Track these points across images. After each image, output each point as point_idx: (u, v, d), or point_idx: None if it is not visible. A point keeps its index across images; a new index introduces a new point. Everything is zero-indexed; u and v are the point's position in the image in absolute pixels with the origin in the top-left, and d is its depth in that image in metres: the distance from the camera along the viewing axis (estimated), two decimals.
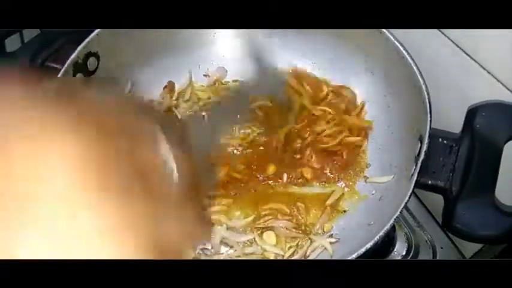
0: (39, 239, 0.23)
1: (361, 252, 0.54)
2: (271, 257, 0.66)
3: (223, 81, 0.83)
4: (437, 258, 0.74)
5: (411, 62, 0.63)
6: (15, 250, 0.23)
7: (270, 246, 0.66)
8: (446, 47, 0.72)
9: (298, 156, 0.72)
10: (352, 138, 0.73)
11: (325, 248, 0.66)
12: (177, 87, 0.83)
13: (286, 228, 0.67)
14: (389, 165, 0.71)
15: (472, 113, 0.56)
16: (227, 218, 0.68)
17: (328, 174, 0.71)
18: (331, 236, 0.67)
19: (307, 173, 0.71)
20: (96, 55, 0.71)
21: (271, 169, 0.71)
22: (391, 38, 0.65)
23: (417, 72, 0.61)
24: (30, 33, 0.76)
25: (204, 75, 0.84)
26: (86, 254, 0.24)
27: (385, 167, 0.71)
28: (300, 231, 0.67)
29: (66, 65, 0.66)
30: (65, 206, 0.22)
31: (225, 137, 0.74)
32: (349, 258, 0.55)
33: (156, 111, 0.35)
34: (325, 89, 0.78)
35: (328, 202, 0.69)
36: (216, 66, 0.85)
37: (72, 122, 0.23)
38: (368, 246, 0.54)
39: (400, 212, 0.55)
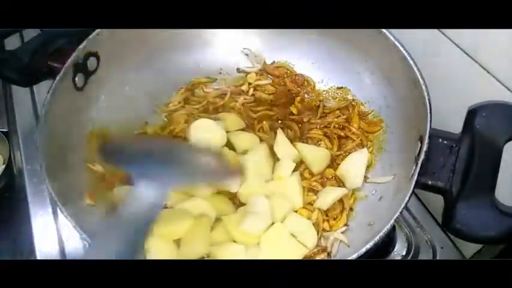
0: None
1: (362, 252, 0.54)
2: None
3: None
4: (437, 258, 0.74)
5: (411, 62, 0.63)
6: None
7: None
8: (446, 47, 0.72)
9: None
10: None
11: (341, 241, 0.66)
12: (178, 86, 0.83)
13: None
14: (389, 165, 0.71)
15: (472, 113, 0.56)
16: None
17: None
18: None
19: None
20: (96, 55, 0.71)
21: None
22: (391, 38, 0.65)
23: (417, 72, 0.61)
24: (30, 33, 0.76)
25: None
26: None
27: (385, 167, 0.71)
28: None
29: (66, 65, 0.66)
30: None
31: None
32: (349, 258, 0.55)
33: None
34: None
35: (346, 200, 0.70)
36: (216, 66, 0.85)
37: None
38: (368, 246, 0.54)
39: (400, 212, 0.55)
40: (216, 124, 0.75)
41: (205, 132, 0.74)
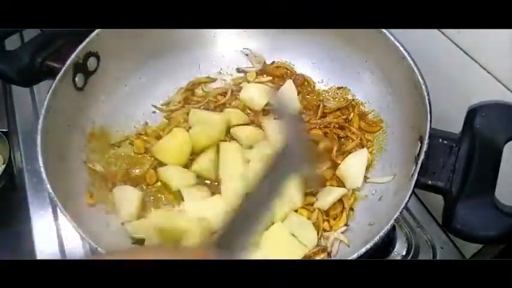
0: None
1: (362, 252, 0.54)
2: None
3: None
4: (437, 258, 0.74)
5: (411, 62, 0.63)
6: None
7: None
8: (446, 47, 0.72)
9: None
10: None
11: (341, 241, 0.66)
12: (178, 86, 0.83)
13: None
14: (389, 165, 0.71)
15: (472, 113, 0.56)
16: None
17: None
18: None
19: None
20: (96, 55, 0.71)
21: None
22: (391, 38, 0.65)
23: (417, 72, 0.62)
24: (30, 33, 0.76)
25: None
26: None
27: (385, 167, 0.71)
28: None
29: (66, 65, 0.66)
30: None
31: None
32: (349, 258, 0.55)
33: None
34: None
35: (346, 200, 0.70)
36: (216, 66, 0.85)
37: None
38: (368, 246, 0.54)
39: (400, 212, 0.55)
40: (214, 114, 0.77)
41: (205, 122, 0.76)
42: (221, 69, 0.85)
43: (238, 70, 0.85)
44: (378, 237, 0.54)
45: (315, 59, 0.82)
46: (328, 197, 0.69)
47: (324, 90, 0.81)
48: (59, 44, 0.73)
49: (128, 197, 0.70)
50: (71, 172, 0.68)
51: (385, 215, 0.59)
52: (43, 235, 0.77)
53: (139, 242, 0.66)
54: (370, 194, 0.70)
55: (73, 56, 0.67)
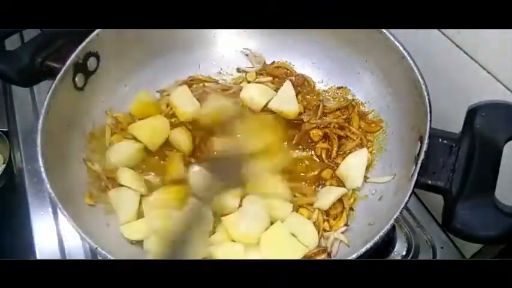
0: None
1: (361, 252, 0.54)
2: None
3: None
4: (437, 258, 0.74)
5: (411, 62, 0.63)
6: None
7: None
8: (446, 47, 0.72)
9: None
10: None
11: (341, 241, 0.66)
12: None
13: None
14: (389, 165, 0.71)
15: (472, 113, 0.56)
16: None
17: None
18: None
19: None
20: (96, 55, 0.71)
21: None
22: (391, 38, 0.65)
23: (417, 72, 0.62)
24: (30, 33, 0.76)
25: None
26: None
27: (385, 167, 0.71)
28: None
29: (66, 65, 0.66)
30: None
31: None
32: (349, 258, 0.55)
33: None
34: None
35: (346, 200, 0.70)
36: (216, 66, 0.85)
37: None
38: (368, 246, 0.54)
39: (400, 212, 0.55)
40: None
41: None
42: (221, 69, 0.85)
43: (238, 70, 0.85)
44: (377, 237, 0.54)
45: (315, 59, 0.82)
46: (328, 196, 0.69)
47: (324, 90, 0.81)
48: (59, 44, 0.73)
49: (125, 199, 0.69)
50: (71, 172, 0.68)
51: (385, 215, 0.59)
52: (43, 235, 0.77)
53: (138, 242, 0.66)
54: (370, 194, 0.70)
55: (73, 56, 0.67)
